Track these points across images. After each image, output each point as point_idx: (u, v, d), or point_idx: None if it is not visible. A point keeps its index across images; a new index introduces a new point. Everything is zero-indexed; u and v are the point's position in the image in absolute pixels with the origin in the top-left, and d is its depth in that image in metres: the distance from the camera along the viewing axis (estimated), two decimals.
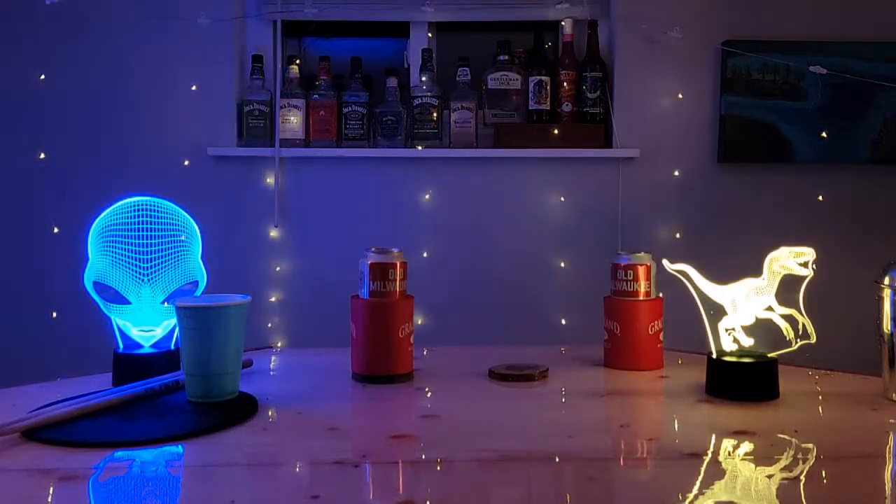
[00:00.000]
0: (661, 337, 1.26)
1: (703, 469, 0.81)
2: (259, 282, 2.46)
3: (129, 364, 1.14)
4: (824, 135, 2.43)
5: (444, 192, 2.50)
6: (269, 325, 2.48)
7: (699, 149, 2.50)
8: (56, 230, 2.42)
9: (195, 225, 1.21)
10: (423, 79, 2.48)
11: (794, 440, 0.89)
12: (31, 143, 2.46)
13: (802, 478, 0.80)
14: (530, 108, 2.49)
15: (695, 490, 0.76)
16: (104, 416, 0.95)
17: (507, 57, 2.51)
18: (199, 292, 1.20)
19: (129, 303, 1.15)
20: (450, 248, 2.49)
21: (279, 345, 2.46)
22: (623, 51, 2.49)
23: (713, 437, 0.91)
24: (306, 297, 2.48)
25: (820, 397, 1.09)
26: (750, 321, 1.11)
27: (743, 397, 1.05)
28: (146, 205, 1.17)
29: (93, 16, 2.45)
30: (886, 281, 1.05)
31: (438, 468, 0.82)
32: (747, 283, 1.12)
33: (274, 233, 2.48)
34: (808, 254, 1.10)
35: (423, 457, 0.86)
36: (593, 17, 2.53)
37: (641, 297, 1.25)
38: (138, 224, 1.16)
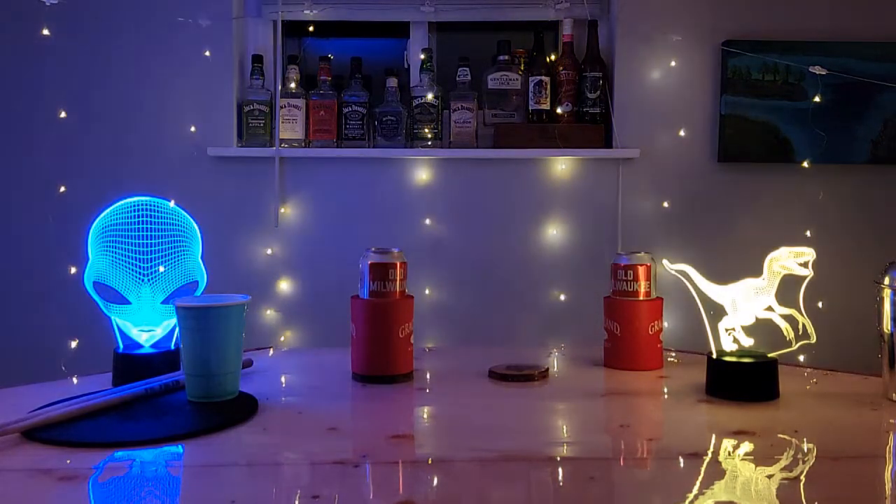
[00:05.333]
0: (661, 337, 1.26)
1: (703, 469, 0.81)
2: (259, 282, 2.46)
3: (129, 364, 1.13)
4: (824, 135, 2.43)
5: (444, 192, 2.50)
6: (270, 325, 2.48)
7: (699, 149, 2.50)
8: (56, 230, 2.42)
9: (195, 225, 1.21)
10: (423, 79, 2.48)
11: (794, 440, 0.89)
12: (32, 142, 2.47)
13: (802, 478, 0.80)
14: (530, 108, 2.49)
15: (695, 490, 0.75)
16: (104, 416, 0.95)
17: (507, 57, 2.51)
18: (199, 292, 1.20)
19: (129, 303, 1.15)
20: (450, 248, 2.49)
21: (280, 340, 2.46)
22: (623, 51, 2.49)
23: (713, 437, 0.91)
24: (306, 297, 2.48)
25: (820, 397, 1.09)
26: (750, 321, 1.11)
27: (743, 397, 1.05)
28: (146, 205, 1.17)
29: (92, 16, 2.45)
30: (886, 281, 1.05)
31: (438, 468, 0.82)
32: (747, 283, 1.12)
33: (274, 233, 2.48)
34: (808, 254, 1.10)
35: (423, 457, 0.86)
36: (593, 17, 2.53)
37: (641, 297, 1.25)
38: (138, 224, 1.16)
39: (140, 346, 1.17)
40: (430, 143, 2.47)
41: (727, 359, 1.09)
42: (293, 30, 2.69)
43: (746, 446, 0.87)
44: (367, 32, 2.81)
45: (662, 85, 2.49)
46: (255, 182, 2.48)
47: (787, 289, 1.11)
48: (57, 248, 2.42)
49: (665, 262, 1.17)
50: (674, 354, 1.35)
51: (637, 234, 2.48)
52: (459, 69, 2.49)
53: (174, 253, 1.17)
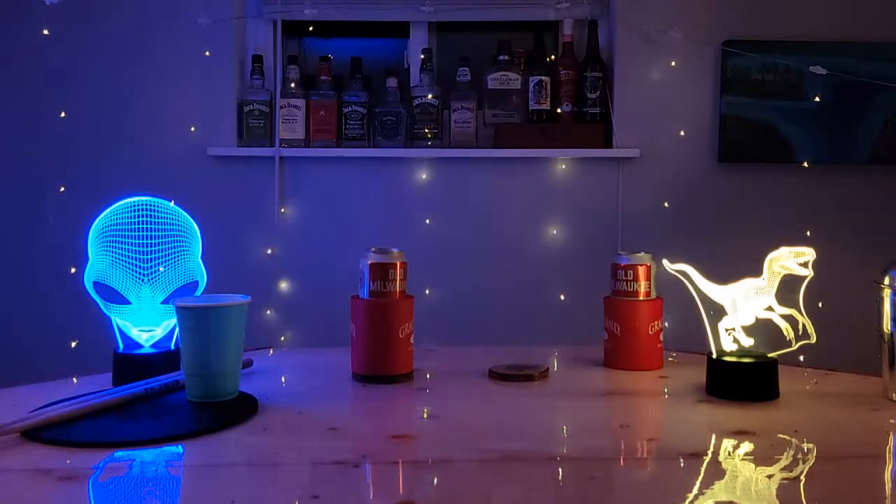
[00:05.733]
0: (661, 337, 1.26)
1: (703, 469, 0.81)
2: (259, 282, 2.46)
3: (129, 364, 1.13)
4: (824, 135, 2.42)
5: (444, 192, 2.50)
6: (270, 325, 2.48)
7: (699, 149, 2.50)
8: (56, 230, 2.43)
9: (195, 225, 1.21)
10: (423, 79, 2.48)
11: (794, 440, 0.89)
12: (31, 143, 2.46)
13: (802, 478, 0.80)
14: (530, 108, 2.49)
15: (695, 490, 0.75)
16: (104, 416, 0.95)
17: (507, 57, 2.51)
18: (199, 292, 1.20)
19: (129, 303, 1.15)
20: (450, 248, 2.49)
21: (281, 342, 2.46)
22: (623, 51, 2.49)
23: (713, 437, 0.91)
24: (306, 297, 2.48)
25: (820, 397, 1.09)
26: (750, 321, 1.11)
27: (743, 397, 1.05)
28: (146, 205, 1.17)
29: (93, 16, 2.45)
30: (886, 281, 1.05)
31: (438, 468, 0.82)
32: (747, 283, 1.12)
33: (274, 233, 2.48)
34: (808, 254, 1.10)
35: (423, 457, 0.86)
36: (593, 17, 2.53)
37: (641, 297, 1.25)
38: (138, 224, 1.16)
39: (140, 346, 1.17)
40: (430, 143, 2.47)
41: (727, 359, 1.09)
42: (293, 30, 2.69)
43: (746, 446, 0.87)
44: (367, 32, 2.81)
45: (662, 85, 2.49)
46: (255, 182, 2.48)
47: (787, 289, 1.11)
48: (57, 248, 2.42)
49: (665, 262, 1.17)
50: (674, 355, 1.35)
51: (637, 234, 2.48)
52: (459, 69, 2.49)
53: (174, 253, 1.17)
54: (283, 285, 2.49)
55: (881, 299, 1.05)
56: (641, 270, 1.25)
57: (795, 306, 1.09)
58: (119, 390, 1.02)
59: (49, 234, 2.44)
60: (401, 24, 2.62)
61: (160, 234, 1.16)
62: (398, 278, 1.17)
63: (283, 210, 2.49)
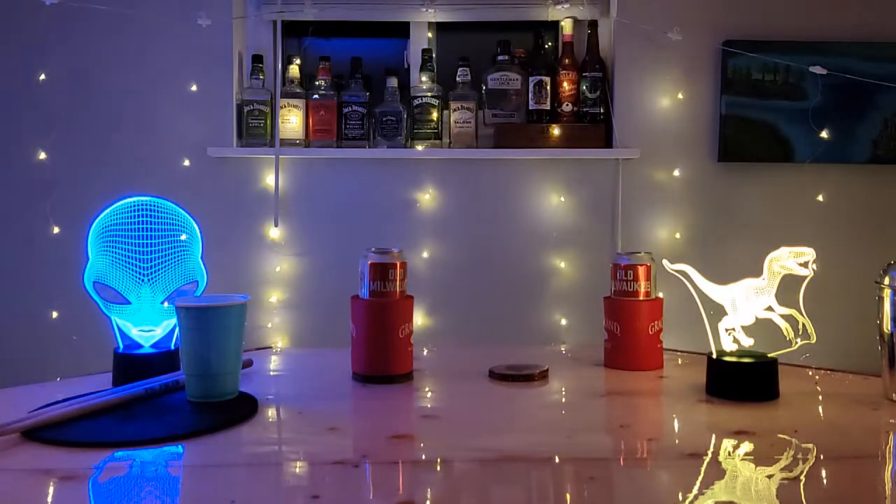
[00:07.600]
0: (661, 337, 1.26)
1: (703, 469, 0.81)
2: (259, 282, 2.46)
3: (129, 364, 1.13)
4: (824, 135, 2.42)
5: (444, 192, 2.50)
6: (269, 325, 2.48)
7: (699, 149, 2.50)
8: (56, 230, 2.43)
9: (195, 225, 1.21)
10: (423, 79, 2.48)
11: (794, 440, 0.89)
12: (31, 143, 2.46)
13: (802, 478, 0.80)
14: (530, 108, 2.49)
15: (695, 490, 0.75)
16: (104, 416, 0.95)
17: (507, 57, 2.51)
18: (199, 292, 1.20)
19: (129, 303, 1.15)
20: (450, 248, 2.49)
21: (279, 345, 2.46)
22: (623, 51, 2.49)
23: (713, 437, 0.91)
24: (306, 297, 2.48)
25: (820, 397, 1.09)
26: (750, 321, 1.11)
27: (743, 397, 1.05)
28: (146, 205, 1.17)
29: (92, 16, 2.45)
30: (886, 281, 1.05)
31: (438, 468, 0.82)
32: (747, 283, 1.12)
33: (274, 233, 2.48)
34: (808, 254, 1.10)
35: (423, 457, 0.86)
36: (593, 17, 2.53)
37: (641, 297, 1.25)
38: (138, 224, 1.16)
39: (140, 346, 1.17)
40: (430, 143, 2.47)
41: (727, 359, 1.09)
42: (293, 30, 2.69)
43: (746, 446, 0.87)
44: (367, 32, 2.81)
45: (662, 84, 2.49)
46: (255, 182, 2.48)
47: (787, 289, 1.11)
48: (57, 248, 2.42)
49: (665, 262, 1.17)
50: (680, 361, 1.35)
51: (637, 234, 2.48)
52: (459, 69, 2.49)
53: (174, 253, 1.17)
54: (284, 285, 2.49)
55: (881, 299, 1.05)
56: (641, 270, 1.25)
57: (795, 306, 1.10)
58: (119, 390, 1.02)
59: (49, 234, 2.43)
60: (401, 24, 2.62)
61: (160, 234, 1.16)
62: (398, 278, 1.17)
63: (282, 210, 2.48)
